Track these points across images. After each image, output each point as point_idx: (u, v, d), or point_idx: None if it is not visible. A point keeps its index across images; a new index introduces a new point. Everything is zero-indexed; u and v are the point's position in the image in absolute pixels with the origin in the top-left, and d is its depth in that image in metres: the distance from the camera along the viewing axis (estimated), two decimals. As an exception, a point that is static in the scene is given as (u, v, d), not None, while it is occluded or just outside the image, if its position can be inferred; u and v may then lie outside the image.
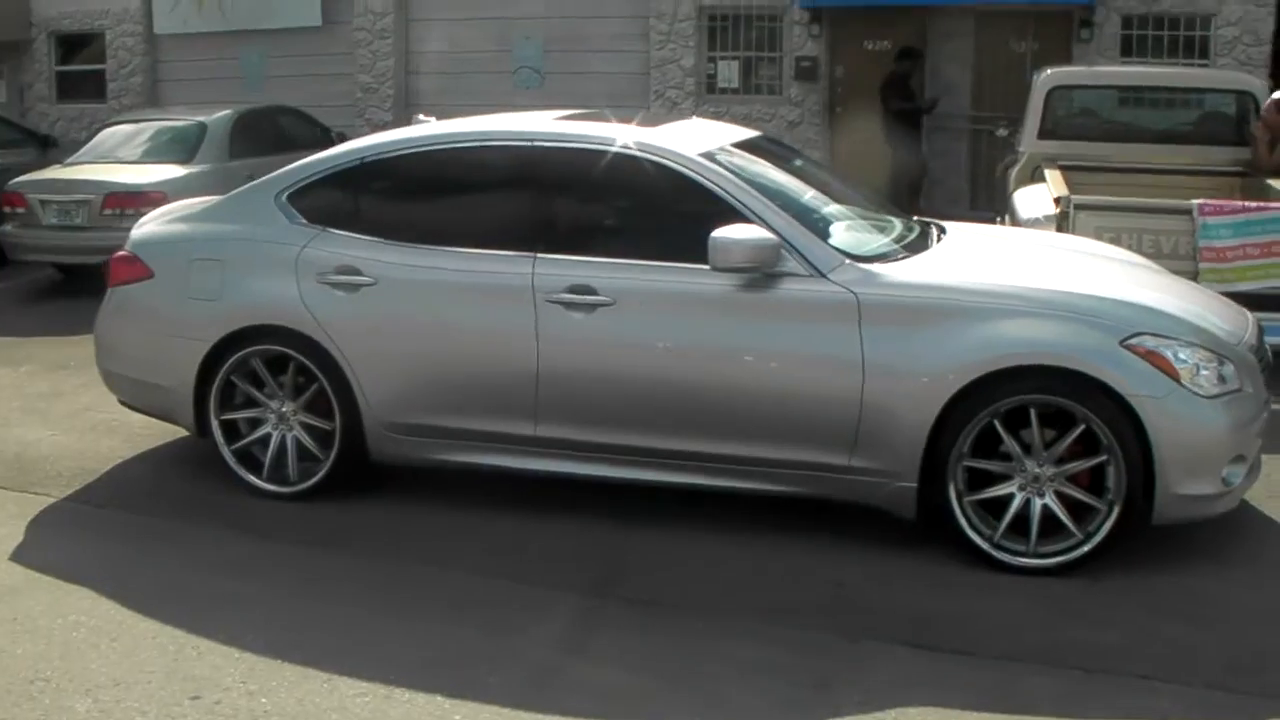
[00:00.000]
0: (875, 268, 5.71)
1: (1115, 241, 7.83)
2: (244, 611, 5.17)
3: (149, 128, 13.27)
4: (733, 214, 5.73)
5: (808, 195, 6.32)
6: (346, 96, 17.94)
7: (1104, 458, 5.37)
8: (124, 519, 6.30)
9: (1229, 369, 5.49)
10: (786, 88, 16.68)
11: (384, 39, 17.98)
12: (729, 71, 17.03)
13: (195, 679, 4.61)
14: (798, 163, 6.89)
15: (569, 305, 5.87)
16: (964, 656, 4.79)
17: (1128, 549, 5.51)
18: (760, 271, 5.63)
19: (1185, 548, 5.69)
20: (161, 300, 6.61)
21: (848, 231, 6.12)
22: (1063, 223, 8.36)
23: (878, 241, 6.11)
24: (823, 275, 5.63)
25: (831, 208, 6.35)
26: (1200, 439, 5.38)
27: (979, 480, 5.55)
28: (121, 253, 6.85)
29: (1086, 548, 5.43)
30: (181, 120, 13.20)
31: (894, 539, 5.79)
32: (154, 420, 7.14)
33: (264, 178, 6.80)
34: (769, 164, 6.43)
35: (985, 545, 5.50)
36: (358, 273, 6.19)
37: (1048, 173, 9.66)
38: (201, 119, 13.07)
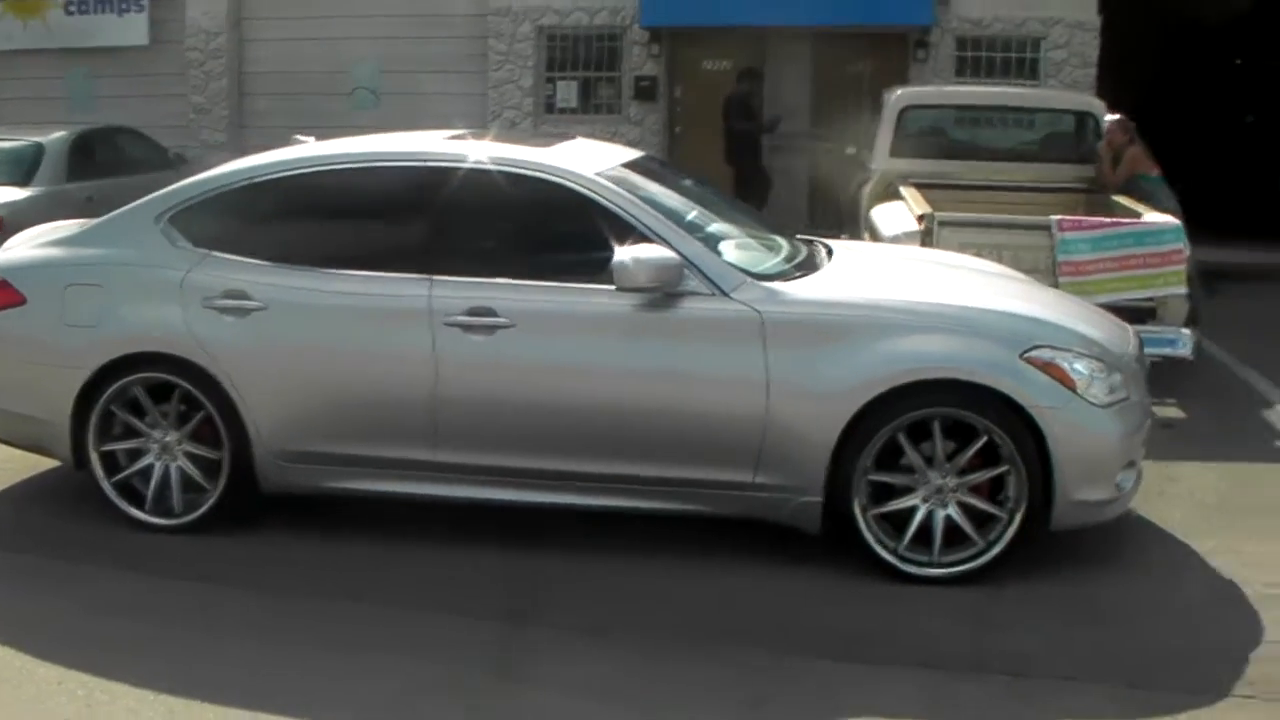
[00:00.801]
0: (777, 286, 5.78)
1: (978, 257, 8.03)
2: (147, 653, 4.96)
3: (-22, 148, 12.68)
4: (632, 233, 5.73)
5: (700, 215, 6.35)
6: (179, 117, 17.46)
7: (1005, 468, 5.52)
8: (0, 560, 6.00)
9: (1117, 378, 5.68)
10: (626, 107, 16.81)
11: (217, 59, 17.59)
12: (568, 92, 17.09)
13: (115, 726, 4.42)
14: (686, 182, 6.94)
15: (468, 328, 5.80)
16: (888, 667, 4.86)
17: (1023, 557, 5.64)
18: (662, 291, 5.64)
19: (1077, 554, 5.86)
20: (35, 327, 6.32)
21: (741, 251, 6.16)
22: (926, 239, 8.57)
23: (772, 260, 6.18)
24: (725, 294, 5.66)
25: (721, 227, 6.39)
26: (1096, 447, 5.57)
27: (882, 493, 5.64)
28: (-10, 279, 6.54)
29: (989, 556, 5.57)
30: (16, 140, 12.66)
31: (795, 554, 5.84)
32: (14, 454, 6.85)
33: (142, 199, 6.51)
34: (659, 184, 6.45)
35: (890, 558, 5.60)
36: (246, 297, 6.02)
37: (905, 190, 9.90)
38: (38, 139, 12.55)
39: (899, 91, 11.73)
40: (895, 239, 9.09)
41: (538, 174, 6.00)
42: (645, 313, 5.69)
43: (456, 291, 5.84)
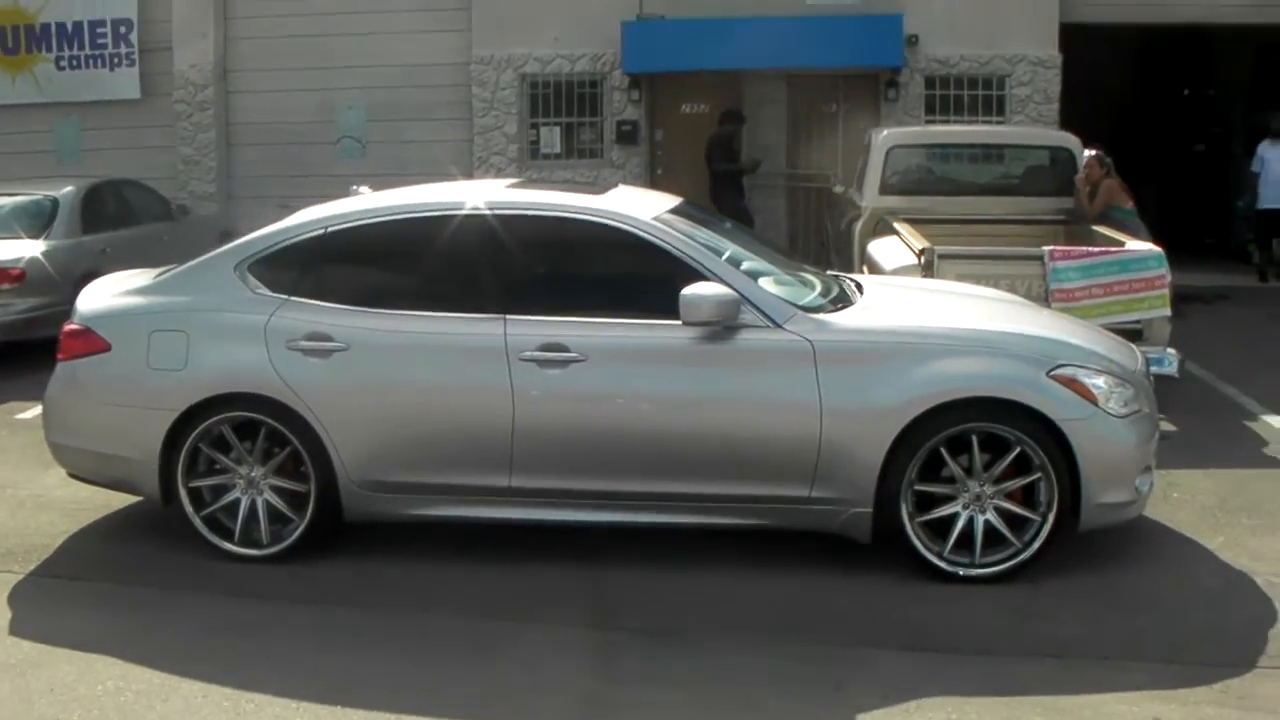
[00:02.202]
0: (823, 317, 6.36)
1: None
2: (276, 667, 5.36)
3: (-7, 202, 12.97)
4: (690, 272, 6.27)
5: (742, 254, 6.87)
6: (168, 169, 17.81)
7: (1036, 475, 6.11)
8: (102, 589, 6.37)
9: (1130, 392, 6.29)
10: (608, 151, 17.40)
11: (204, 110, 18.02)
12: (551, 137, 17.66)
13: (268, 730, 4.85)
14: (725, 224, 7.50)
15: (543, 363, 6.31)
16: (950, 655, 5.43)
17: (1053, 557, 6.21)
18: (722, 325, 6.19)
19: (1101, 552, 6.46)
20: (121, 372, 6.73)
21: (782, 286, 6.70)
22: (927, 271, 9.14)
23: (811, 294, 6.74)
24: (779, 326, 6.22)
25: (762, 265, 6.92)
26: (1117, 454, 6.18)
27: (926, 502, 6.21)
28: (72, 326, 6.94)
29: (1025, 555, 6.15)
30: (30, 194, 12.98)
31: (843, 562, 6.39)
32: (82, 494, 7.28)
33: (217, 250, 6.99)
34: (703, 227, 6.99)
35: (937, 560, 6.16)
36: (329, 338, 6.48)
37: (898, 225, 10.48)
38: (51, 193, 12.86)
39: (885, 132, 12.36)
40: (895, 271, 9.65)
41: (600, 220, 6.55)
42: (706, 345, 6.23)
43: (530, 329, 6.35)
